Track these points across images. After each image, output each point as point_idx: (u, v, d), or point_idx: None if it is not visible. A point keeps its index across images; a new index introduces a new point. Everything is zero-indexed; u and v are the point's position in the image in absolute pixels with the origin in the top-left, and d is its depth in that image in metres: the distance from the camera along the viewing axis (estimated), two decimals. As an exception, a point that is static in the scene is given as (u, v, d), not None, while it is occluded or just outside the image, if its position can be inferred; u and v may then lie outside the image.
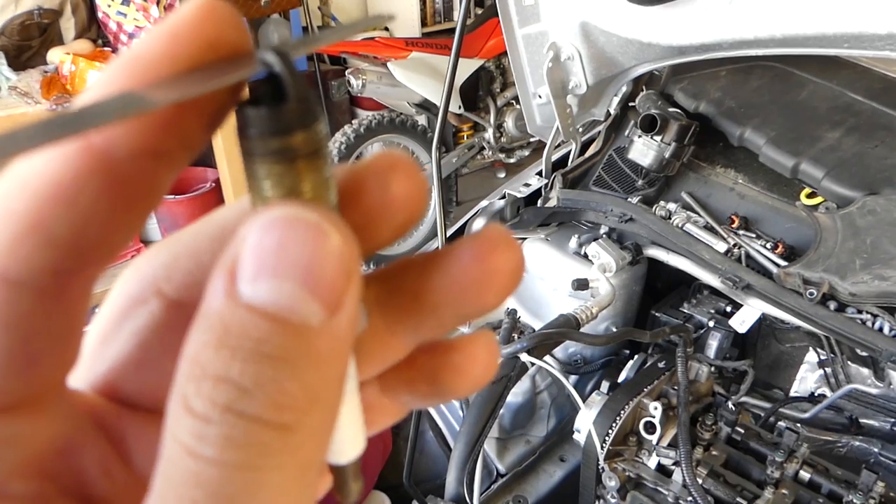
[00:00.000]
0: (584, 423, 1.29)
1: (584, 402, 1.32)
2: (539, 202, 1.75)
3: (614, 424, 1.26)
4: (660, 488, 1.23)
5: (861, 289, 1.26)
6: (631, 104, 1.76)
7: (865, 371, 1.36)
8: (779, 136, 1.52)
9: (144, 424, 0.21)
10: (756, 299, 1.37)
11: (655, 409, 1.28)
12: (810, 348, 1.46)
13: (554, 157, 1.82)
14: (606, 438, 1.25)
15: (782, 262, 1.41)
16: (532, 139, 3.76)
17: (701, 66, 1.70)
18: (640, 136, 1.61)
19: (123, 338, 0.21)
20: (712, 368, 1.43)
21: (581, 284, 1.47)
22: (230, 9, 0.18)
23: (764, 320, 1.49)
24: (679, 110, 1.65)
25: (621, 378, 1.48)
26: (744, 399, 1.44)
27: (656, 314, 1.60)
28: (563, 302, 1.54)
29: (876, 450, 1.26)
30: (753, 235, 1.51)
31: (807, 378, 1.46)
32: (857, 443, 1.29)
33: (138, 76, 0.17)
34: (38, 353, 0.18)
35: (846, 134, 1.49)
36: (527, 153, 3.89)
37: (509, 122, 3.75)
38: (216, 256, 0.17)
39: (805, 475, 1.20)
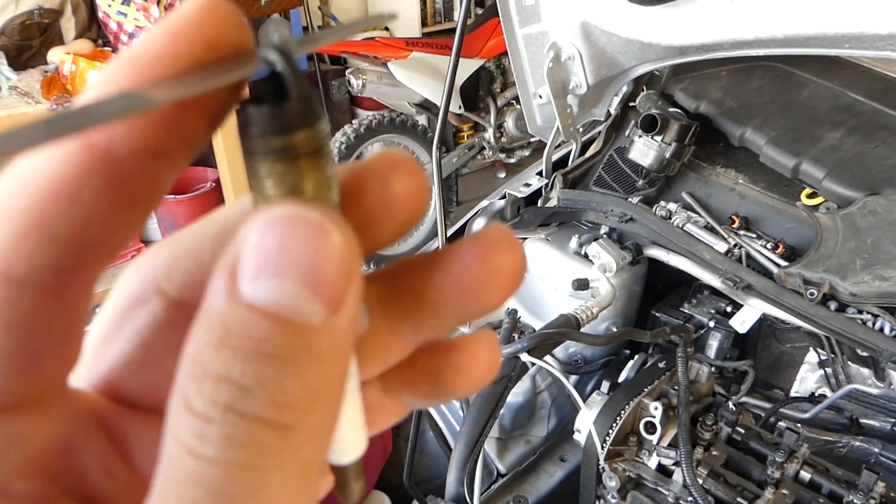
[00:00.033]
0: (585, 423, 1.29)
1: (584, 402, 1.32)
2: (539, 202, 1.75)
3: (615, 424, 1.26)
4: (660, 488, 1.23)
5: (862, 289, 1.26)
6: (631, 104, 1.76)
7: (866, 371, 1.36)
8: (779, 136, 1.52)
9: (146, 424, 0.21)
10: (756, 299, 1.37)
11: (656, 409, 1.28)
12: (811, 348, 1.46)
13: (554, 157, 1.82)
14: (607, 438, 1.25)
15: (783, 263, 1.41)
16: (532, 139, 3.76)
17: (702, 67, 1.70)
18: (640, 136, 1.61)
19: (125, 337, 0.21)
20: (713, 368, 1.43)
21: (581, 284, 1.47)
22: (231, 7, 0.18)
23: (764, 320, 1.49)
24: (679, 110, 1.65)
25: (622, 378, 1.48)
26: (744, 399, 1.44)
27: (656, 314, 1.60)
28: (564, 302, 1.54)
29: (876, 450, 1.26)
30: (754, 235, 1.51)
31: (807, 378, 1.46)
32: (858, 443, 1.29)
33: (139, 75, 0.17)
34: (39, 353, 0.18)
35: (847, 134, 1.49)
36: (527, 153, 3.89)
37: (510, 122, 3.75)
38: (217, 256, 0.17)
39: (805, 475, 1.20)
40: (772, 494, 1.16)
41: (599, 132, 1.83)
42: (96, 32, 2.56)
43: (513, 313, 1.47)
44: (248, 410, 0.15)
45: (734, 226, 1.53)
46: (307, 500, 0.17)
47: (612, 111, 1.76)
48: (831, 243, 1.35)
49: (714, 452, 1.25)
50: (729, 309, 1.53)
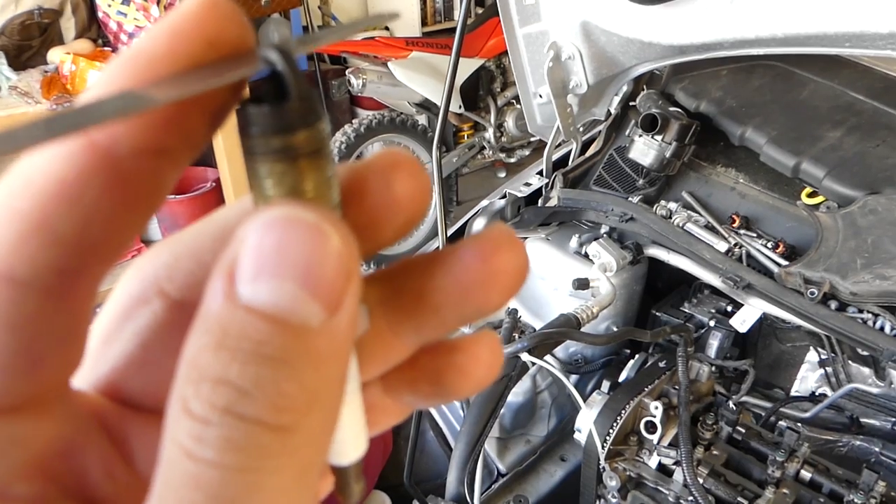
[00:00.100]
0: (585, 422, 1.29)
1: (584, 401, 1.32)
2: (540, 202, 1.74)
3: (615, 424, 1.26)
4: (660, 488, 1.23)
5: (862, 288, 1.26)
6: (632, 103, 1.76)
7: (866, 370, 1.36)
8: (780, 135, 1.52)
9: (147, 425, 0.21)
10: (757, 299, 1.37)
11: (656, 408, 1.28)
12: (811, 348, 1.46)
13: (554, 157, 1.82)
14: (607, 438, 1.25)
15: (783, 262, 1.41)
16: (532, 139, 3.76)
17: (702, 66, 1.69)
18: (640, 136, 1.61)
19: (126, 338, 0.21)
20: (713, 368, 1.43)
21: (582, 284, 1.47)
22: (232, 5, 0.18)
23: (765, 320, 1.49)
24: (680, 110, 1.65)
25: (622, 377, 1.48)
26: (744, 398, 1.44)
27: (657, 314, 1.60)
28: (564, 301, 1.54)
29: (877, 449, 1.26)
30: (754, 235, 1.51)
31: (807, 377, 1.46)
32: (858, 442, 1.29)
33: (139, 74, 0.17)
34: (42, 354, 0.18)
35: (847, 133, 1.49)
36: (527, 153, 3.89)
37: (510, 122, 3.75)
38: (218, 256, 0.17)
39: (806, 475, 1.20)
40: (772, 494, 1.16)
41: (600, 131, 1.83)
42: (96, 32, 2.56)
43: (513, 313, 1.47)
44: (246, 413, 0.15)
45: (734, 225, 1.53)
46: (306, 501, 0.17)
47: (613, 110, 1.76)
48: (832, 242, 1.35)
49: (714, 452, 1.25)
50: (729, 308, 1.53)
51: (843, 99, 1.57)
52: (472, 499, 1.25)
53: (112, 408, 0.21)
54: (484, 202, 1.80)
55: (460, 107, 3.52)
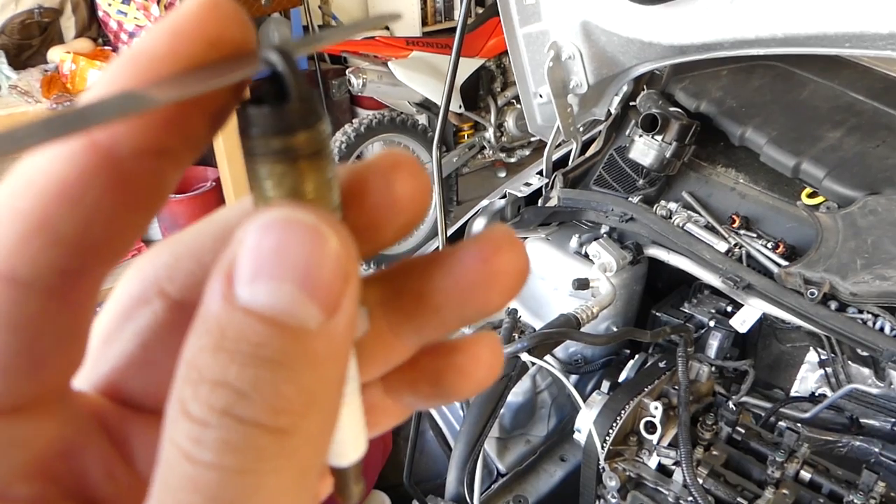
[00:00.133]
0: (585, 422, 1.29)
1: (584, 401, 1.32)
2: (540, 202, 1.74)
3: (615, 424, 1.26)
4: (660, 488, 1.23)
5: (862, 289, 1.26)
6: (632, 103, 1.76)
7: (866, 371, 1.36)
8: (780, 135, 1.52)
9: (147, 426, 0.21)
10: (757, 299, 1.37)
11: (656, 408, 1.28)
12: (811, 348, 1.46)
13: (555, 157, 1.82)
14: (607, 438, 1.25)
15: (783, 262, 1.41)
16: (533, 138, 3.76)
17: (702, 66, 1.69)
18: (640, 136, 1.61)
19: (126, 338, 0.21)
20: (713, 368, 1.43)
21: (582, 284, 1.47)
22: (233, 6, 0.18)
23: (765, 320, 1.49)
24: (680, 110, 1.65)
25: (622, 378, 1.48)
26: (744, 399, 1.44)
27: (657, 314, 1.60)
28: (564, 301, 1.54)
29: (876, 450, 1.26)
30: (754, 235, 1.51)
31: (807, 378, 1.46)
32: (858, 443, 1.29)
33: (140, 74, 0.17)
34: (44, 355, 0.17)
35: (847, 134, 1.49)
36: (527, 153, 3.89)
37: (510, 122, 3.75)
38: (218, 257, 0.17)
39: (806, 475, 1.20)
40: (772, 494, 1.16)
41: (600, 131, 1.83)
42: (96, 31, 2.56)
43: (513, 313, 1.47)
44: (244, 415, 0.15)
45: (734, 225, 1.53)
46: (305, 503, 0.17)
47: (613, 110, 1.76)
48: (832, 243, 1.35)
49: (714, 452, 1.25)
50: (729, 308, 1.53)
51: (844, 99, 1.57)
52: (471, 499, 1.25)
53: (112, 408, 0.21)
54: (484, 202, 1.80)
55: (460, 106, 3.52)
